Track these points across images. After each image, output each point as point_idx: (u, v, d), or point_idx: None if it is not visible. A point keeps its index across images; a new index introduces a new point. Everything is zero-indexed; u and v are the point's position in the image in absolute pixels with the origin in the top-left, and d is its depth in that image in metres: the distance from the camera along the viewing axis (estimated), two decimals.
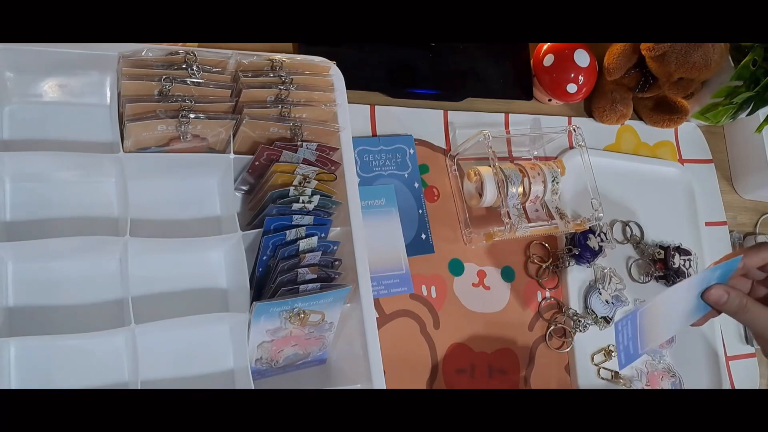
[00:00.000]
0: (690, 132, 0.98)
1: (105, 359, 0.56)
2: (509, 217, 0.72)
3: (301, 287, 0.58)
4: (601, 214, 0.76)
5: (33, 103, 0.59)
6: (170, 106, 0.56)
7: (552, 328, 0.79)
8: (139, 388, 0.54)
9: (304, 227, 0.59)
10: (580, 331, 0.78)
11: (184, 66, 0.56)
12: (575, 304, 0.80)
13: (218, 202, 0.64)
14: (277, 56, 0.61)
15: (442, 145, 0.80)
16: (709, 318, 0.64)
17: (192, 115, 0.56)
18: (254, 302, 0.56)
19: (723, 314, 0.62)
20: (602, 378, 0.80)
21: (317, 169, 0.60)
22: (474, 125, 0.82)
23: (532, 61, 0.86)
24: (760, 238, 0.97)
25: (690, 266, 0.86)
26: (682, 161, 0.96)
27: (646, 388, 0.81)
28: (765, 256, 0.63)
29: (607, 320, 0.80)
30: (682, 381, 0.83)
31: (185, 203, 0.63)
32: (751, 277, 0.65)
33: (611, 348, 0.80)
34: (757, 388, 0.91)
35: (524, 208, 0.76)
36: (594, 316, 0.80)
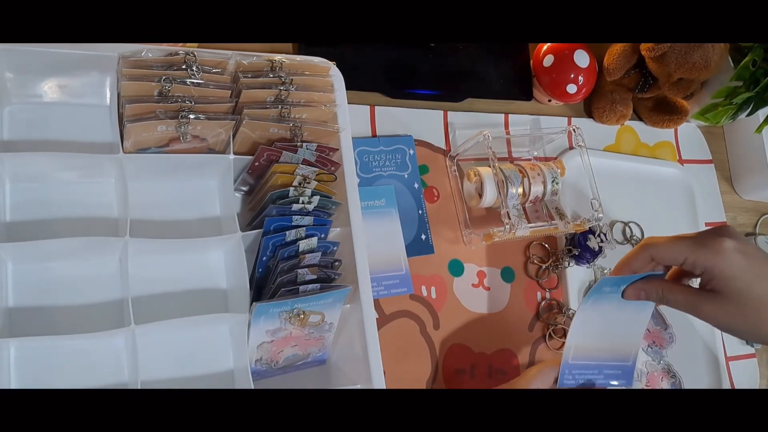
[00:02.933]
0: (690, 132, 0.98)
1: (105, 360, 0.56)
2: (509, 218, 0.72)
3: (301, 288, 0.58)
4: (601, 215, 0.76)
5: (33, 103, 0.59)
6: (170, 107, 0.56)
7: (552, 328, 0.79)
8: (139, 388, 0.54)
9: (304, 228, 0.59)
10: None
11: (183, 66, 0.56)
12: (575, 304, 0.80)
13: (218, 203, 0.64)
14: (277, 57, 0.61)
15: (442, 145, 0.80)
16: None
17: (192, 116, 0.56)
18: (254, 303, 0.56)
19: None
20: None
21: (317, 169, 0.60)
22: (474, 125, 0.82)
23: (531, 61, 0.86)
24: (760, 239, 0.97)
25: None
26: (681, 162, 0.96)
27: (646, 388, 0.81)
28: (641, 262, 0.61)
29: None
30: (681, 381, 0.82)
31: (185, 204, 0.63)
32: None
33: None
34: (757, 388, 0.91)
35: (524, 209, 0.76)
36: None
